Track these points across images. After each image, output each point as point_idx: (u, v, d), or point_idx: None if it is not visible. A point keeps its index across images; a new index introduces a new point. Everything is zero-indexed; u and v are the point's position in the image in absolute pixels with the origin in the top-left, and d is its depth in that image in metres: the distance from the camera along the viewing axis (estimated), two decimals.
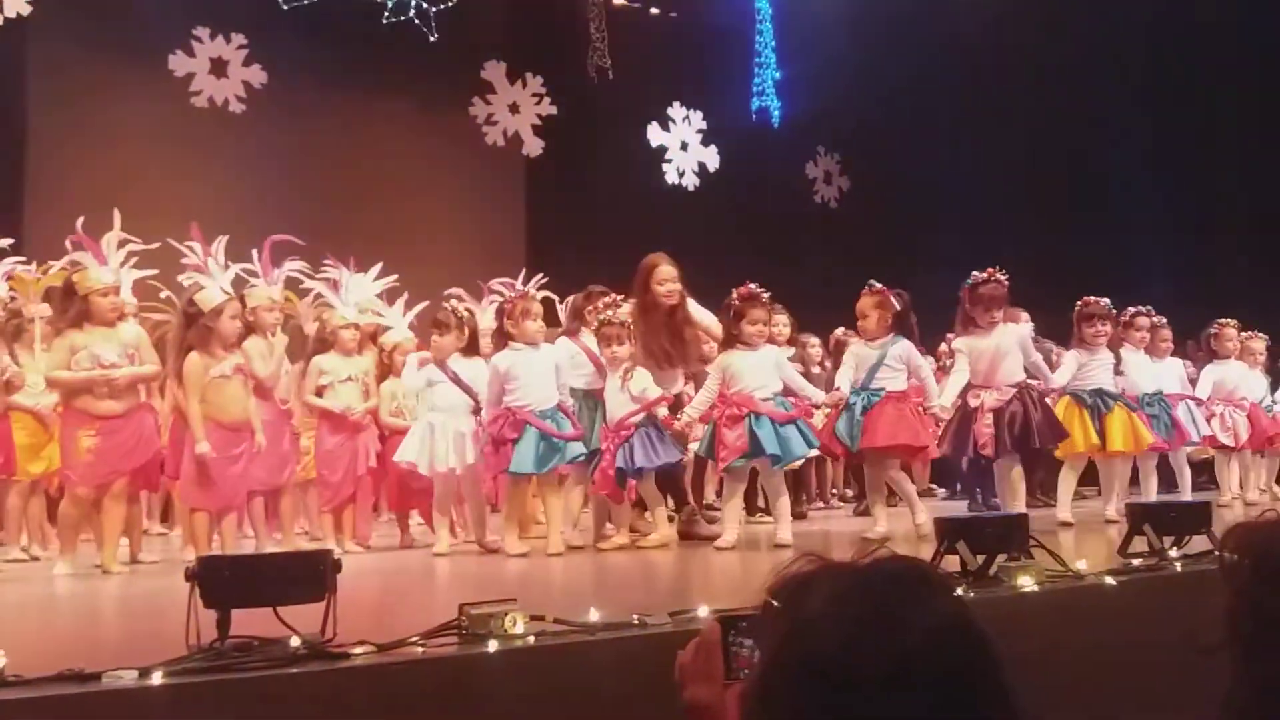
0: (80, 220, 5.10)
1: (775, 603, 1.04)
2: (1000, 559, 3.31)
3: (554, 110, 11.02)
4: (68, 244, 5.13)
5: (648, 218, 10.92)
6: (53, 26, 8.47)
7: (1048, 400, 5.60)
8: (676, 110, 11.82)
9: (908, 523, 5.27)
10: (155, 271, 5.81)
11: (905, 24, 10.95)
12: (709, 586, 4.18)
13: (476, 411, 5.26)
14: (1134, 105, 11.03)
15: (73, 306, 4.83)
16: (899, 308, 5.38)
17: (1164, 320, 6.86)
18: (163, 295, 6.15)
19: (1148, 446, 5.95)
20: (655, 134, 11.71)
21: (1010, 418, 5.29)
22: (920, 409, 5.41)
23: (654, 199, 11.29)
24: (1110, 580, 3.37)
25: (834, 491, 8.26)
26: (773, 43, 11.98)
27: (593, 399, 5.33)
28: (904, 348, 5.32)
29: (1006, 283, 5.57)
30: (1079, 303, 6.05)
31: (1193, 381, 7.13)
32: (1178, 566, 3.56)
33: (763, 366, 5.06)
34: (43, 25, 8.42)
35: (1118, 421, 5.81)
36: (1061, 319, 7.34)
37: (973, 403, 5.38)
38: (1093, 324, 5.92)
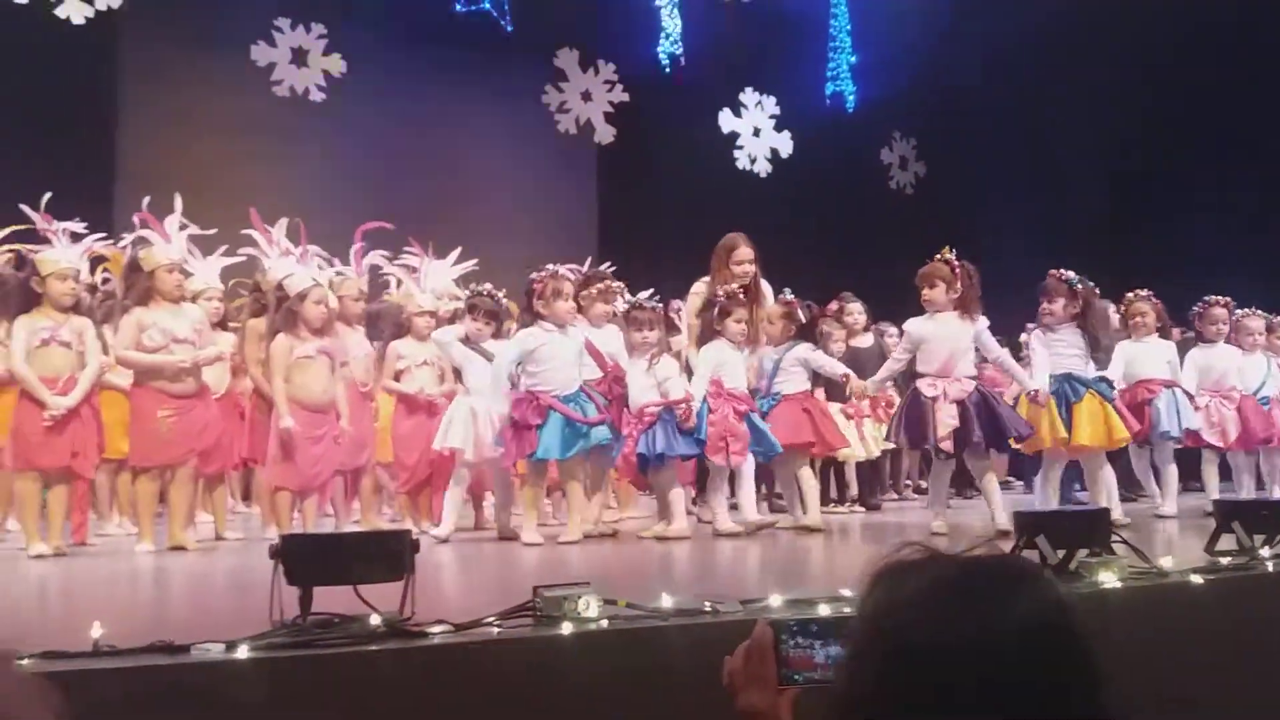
0: (146, 200, 5.22)
1: (873, 589, 1.03)
2: (1081, 554, 3.24)
3: (626, 97, 11.02)
4: (135, 220, 5.23)
5: (719, 204, 10.84)
6: (141, 19, 8.71)
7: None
8: (749, 96, 11.72)
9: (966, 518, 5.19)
10: (243, 259, 5.94)
11: (981, 4, 10.70)
12: (777, 575, 4.16)
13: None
14: (1220, 86, 10.63)
15: (139, 283, 4.90)
16: (803, 320, 5.63)
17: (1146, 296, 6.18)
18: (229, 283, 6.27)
19: (1121, 439, 5.43)
20: (727, 120, 11.63)
21: (975, 410, 5.03)
22: (822, 410, 5.59)
23: (725, 185, 11.22)
24: (1197, 579, 3.28)
25: (907, 483, 8.15)
26: (848, 26, 11.80)
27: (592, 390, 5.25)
28: (801, 351, 5.54)
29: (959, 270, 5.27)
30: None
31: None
32: (1269, 566, 3.45)
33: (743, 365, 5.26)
34: (132, 17, 8.66)
35: (1085, 412, 5.31)
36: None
37: (929, 392, 5.07)
38: (1043, 300, 5.46)
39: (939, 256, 5.29)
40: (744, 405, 5.24)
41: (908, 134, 12.76)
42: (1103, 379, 5.59)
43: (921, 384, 5.13)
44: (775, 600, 2.77)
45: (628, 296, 5.79)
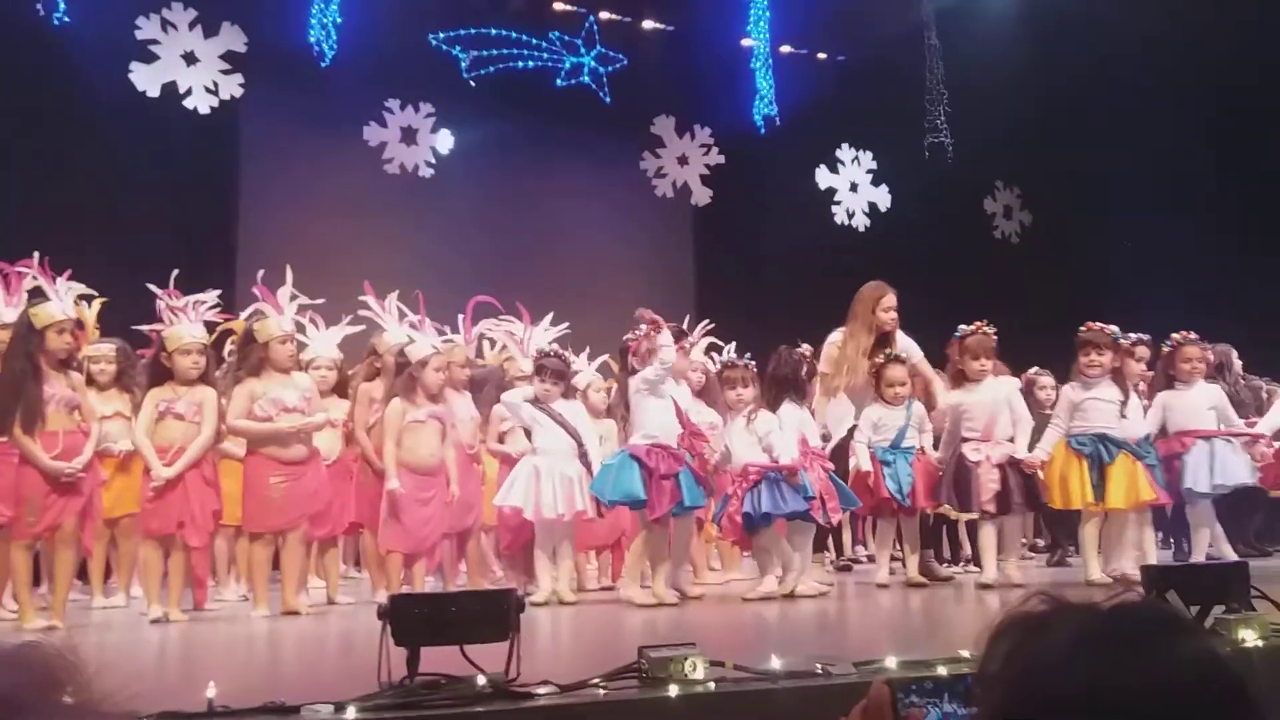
0: (261, 273, 5.44)
1: (1004, 643, 0.98)
2: (1217, 610, 3.04)
3: (721, 159, 11.11)
4: (255, 292, 5.47)
5: (817, 260, 10.81)
6: (261, 105, 9.20)
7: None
8: (845, 152, 11.70)
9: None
10: (361, 328, 6.14)
11: (1080, 48, 10.50)
12: (891, 636, 4.02)
13: (581, 456, 5.27)
14: None
15: (253, 354, 5.09)
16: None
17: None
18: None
19: (1146, 502, 5.24)
20: (824, 177, 11.61)
21: (1017, 472, 5.26)
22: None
23: (823, 241, 11.17)
24: None
25: (1023, 541, 7.80)
26: (944, 77, 11.70)
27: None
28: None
29: (994, 335, 5.47)
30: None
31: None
32: None
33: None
34: (252, 104, 9.15)
35: (1117, 472, 5.16)
36: (1262, 356, 6.77)
37: (973, 456, 5.26)
38: (1088, 353, 5.29)
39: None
40: (826, 463, 5.33)
41: (1011, 182, 12.51)
42: (1146, 437, 5.42)
43: (966, 449, 5.33)
44: (890, 661, 2.66)
45: (722, 355, 5.81)
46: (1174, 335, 5.85)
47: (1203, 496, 5.64)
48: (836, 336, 5.87)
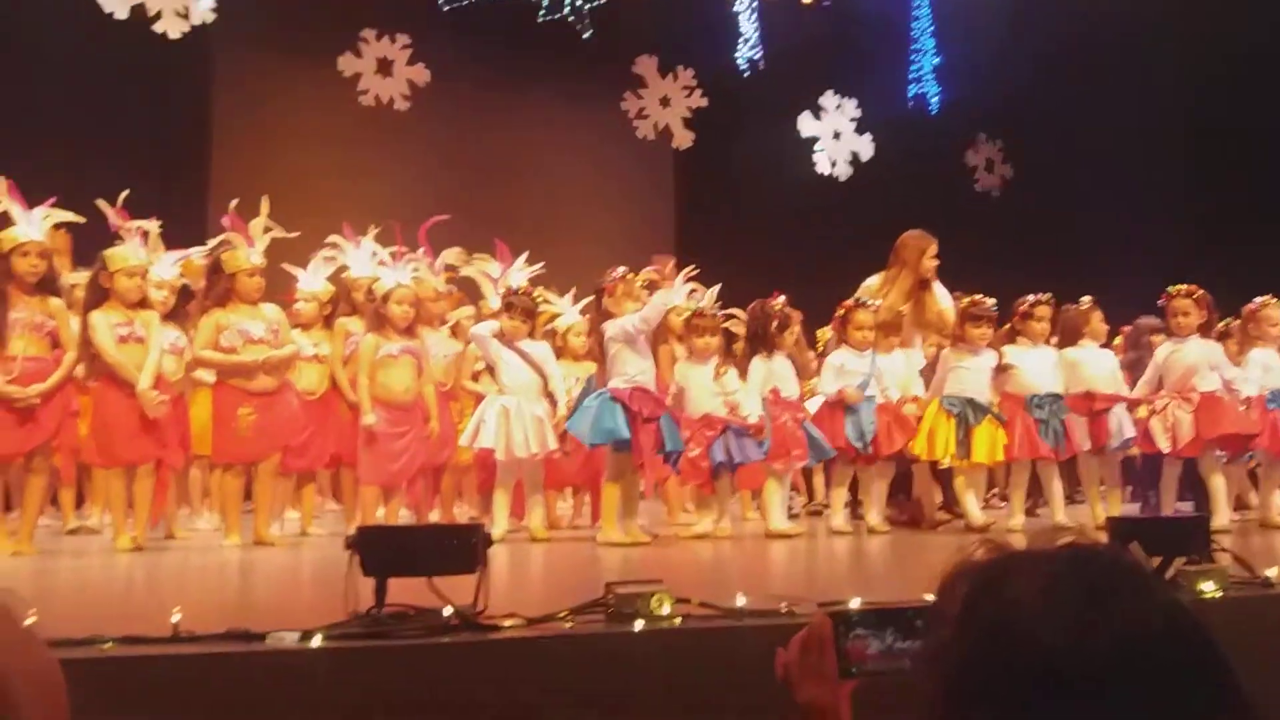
0: (234, 203, 5.34)
1: (962, 588, 0.95)
2: (1179, 562, 3.09)
3: (705, 102, 10.99)
4: (225, 222, 5.36)
5: (798, 208, 10.79)
6: (234, 32, 8.98)
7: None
8: (829, 99, 11.60)
9: None
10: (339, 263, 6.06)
11: (1067, 2, 10.42)
12: (858, 579, 4.08)
13: (548, 394, 5.29)
14: None
15: (220, 284, 5.03)
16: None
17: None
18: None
19: (1011, 456, 5.59)
20: (807, 124, 11.52)
21: None
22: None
23: (805, 189, 11.12)
24: None
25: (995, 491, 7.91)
26: (930, 27, 11.60)
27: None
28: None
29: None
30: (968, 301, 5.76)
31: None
32: None
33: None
34: (224, 31, 8.94)
35: (984, 434, 5.52)
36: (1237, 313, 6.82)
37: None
38: (978, 324, 5.65)
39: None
40: (800, 413, 5.39)
41: (994, 136, 12.47)
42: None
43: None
44: (855, 603, 2.69)
45: (703, 300, 5.80)
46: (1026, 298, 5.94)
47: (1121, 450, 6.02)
48: (873, 281, 5.99)
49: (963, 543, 1.01)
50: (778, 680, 1.28)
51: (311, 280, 5.97)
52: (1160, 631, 0.87)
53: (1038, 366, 5.73)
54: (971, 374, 5.64)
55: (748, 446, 5.22)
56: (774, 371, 5.44)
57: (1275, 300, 6.07)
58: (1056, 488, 5.76)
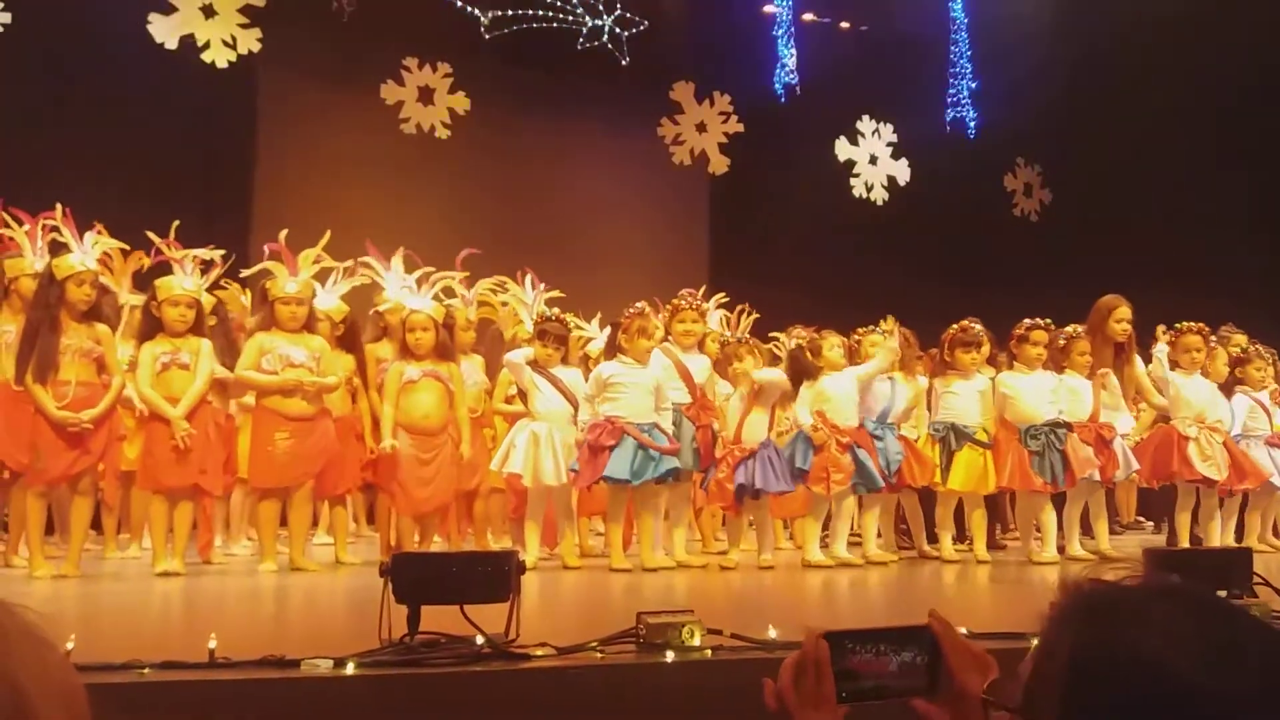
0: (284, 233, 5.43)
1: (1068, 633, 0.97)
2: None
3: (741, 128, 11.03)
4: (265, 250, 5.47)
5: (834, 233, 10.77)
6: (279, 62, 9.16)
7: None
8: (866, 124, 11.58)
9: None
10: (368, 282, 6.13)
11: (1109, 26, 10.34)
12: (882, 607, 4.04)
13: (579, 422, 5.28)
14: None
15: (265, 310, 5.20)
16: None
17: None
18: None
19: (996, 488, 5.67)
20: (843, 148, 11.51)
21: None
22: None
23: (841, 214, 11.10)
24: None
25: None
26: (968, 51, 11.56)
27: (678, 413, 5.32)
28: None
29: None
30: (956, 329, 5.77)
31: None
32: None
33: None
34: (270, 61, 9.12)
35: (962, 460, 5.56)
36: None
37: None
38: (968, 350, 5.69)
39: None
40: (848, 438, 5.31)
41: (1032, 160, 12.39)
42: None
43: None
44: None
45: (738, 326, 5.83)
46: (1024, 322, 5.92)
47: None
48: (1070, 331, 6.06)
49: (1062, 575, 1.03)
50: (770, 710, 1.25)
51: (324, 299, 5.95)
52: (1266, 659, 0.89)
53: (1034, 393, 5.65)
54: (959, 399, 5.64)
55: (771, 476, 5.19)
56: (822, 393, 5.38)
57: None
58: (1049, 519, 5.66)
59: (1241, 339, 6.63)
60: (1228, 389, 6.27)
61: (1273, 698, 0.88)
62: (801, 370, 5.45)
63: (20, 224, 5.20)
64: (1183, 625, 0.92)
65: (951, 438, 5.56)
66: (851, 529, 7.07)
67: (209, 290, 5.42)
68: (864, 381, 5.45)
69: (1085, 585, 1.00)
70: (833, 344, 5.47)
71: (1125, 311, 5.98)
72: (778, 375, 5.42)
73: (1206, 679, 0.88)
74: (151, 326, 4.97)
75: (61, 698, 0.75)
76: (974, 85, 11.74)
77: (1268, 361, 6.38)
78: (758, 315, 6.91)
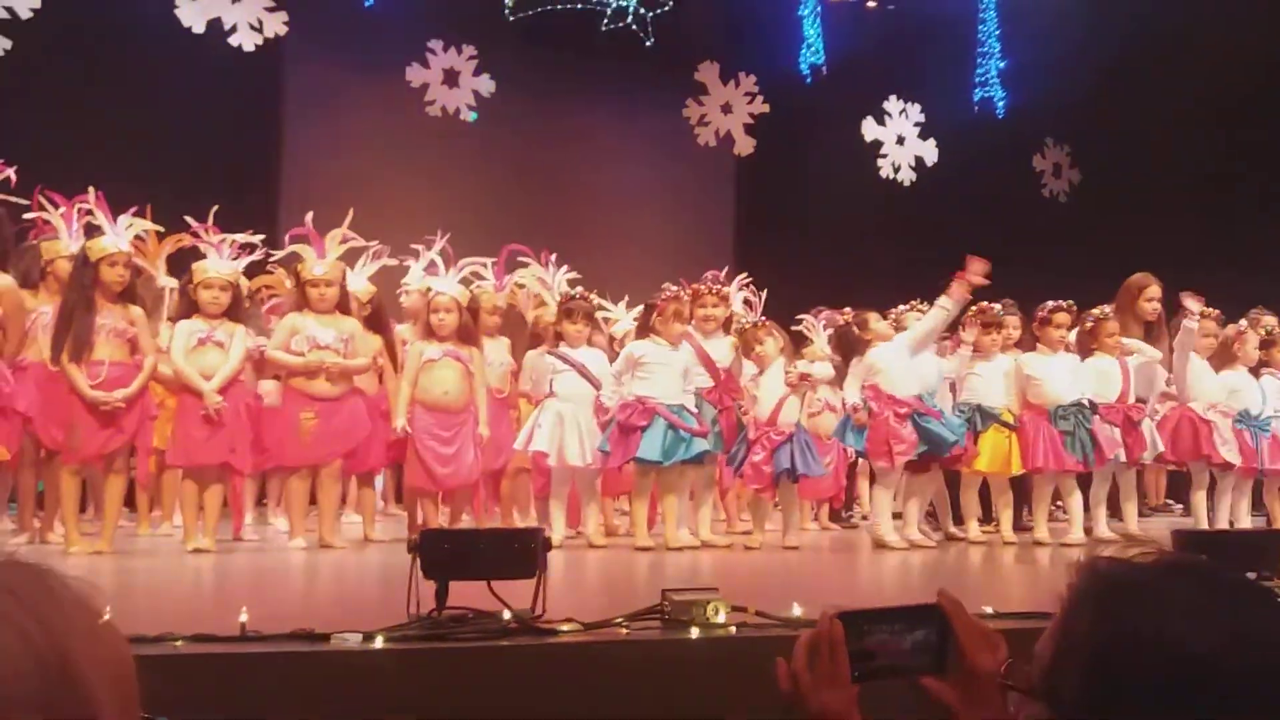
0: (310, 215, 5.47)
1: (1091, 609, 0.98)
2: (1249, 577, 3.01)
3: (766, 108, 10.96)
4: (286, 238, 5.52)
5: (861, 214, 10.69)
6: (305, 44, 9.20)
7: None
8: (893, 104, 11.47)
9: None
10: (395, 262, 6.17)
11: (1140, 5, 10.18)
12: (907, 588, 4.04)
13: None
14: None
15: (296, 292, 5.28)
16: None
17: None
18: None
19: (1026, 469, 5.61)
20: (870, 129, 11.42)
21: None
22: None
23: (867, 195, 11.02)
24: None
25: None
26: (997, 30, 11.42)
27: (698, 397, 5.33)
28: None
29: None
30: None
31: None
32: None
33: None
34: (296, 43, 9.16)
35: (988, 442, 5.55)
36: None
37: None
38: (988, 331, 5.65)
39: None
40: (905, 408, 5.23)
41: (1061, 140, 12.24)
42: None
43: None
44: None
45: (746, 315, 5.85)
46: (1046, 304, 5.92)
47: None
48: (1096, 312, 5.99)
49: (1080, 555, 1.04)
50: (782, 691, 1.25)
51: (353, 280, 5.97)
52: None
53: (1058, 375, 5.63)
54: (982, 381, 5.61)
55: (811, 459, 5.22)
56: (872, 367, 5.33)
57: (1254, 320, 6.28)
58: (1076, 501, 5.68)
59: (1271, 320, 6.54)
60: (1256, 371, 6.21)
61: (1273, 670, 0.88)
62: (850, 346, 5.42)
63: (56, 207, 5.27)
64: (1203, 604, 0.93)
65: (977, 419, 5.53)
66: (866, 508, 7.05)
67: (255, 274, 5.49)
68: (917, 345, 5.35)
69: (1103, 566, 1.01)
70: (879, 316, 5.47)
71: (1155, 290, 5.93)
72: (828, 369, 5.44)
73: (1226, 655, 0.89)
74: (188, 309, 5.05)
75: (111, 667, 0.76)
76: (1002, 65, 11.59)
77: None
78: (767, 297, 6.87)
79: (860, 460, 6.43)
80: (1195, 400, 5.87)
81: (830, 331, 5.66)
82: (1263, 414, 6.02)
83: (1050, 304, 5.78)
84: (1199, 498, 6.00)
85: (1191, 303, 6.00)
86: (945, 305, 5.34)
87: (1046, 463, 5.52)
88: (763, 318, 5.64)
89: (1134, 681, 0.92)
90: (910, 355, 5.33)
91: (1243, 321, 6.29)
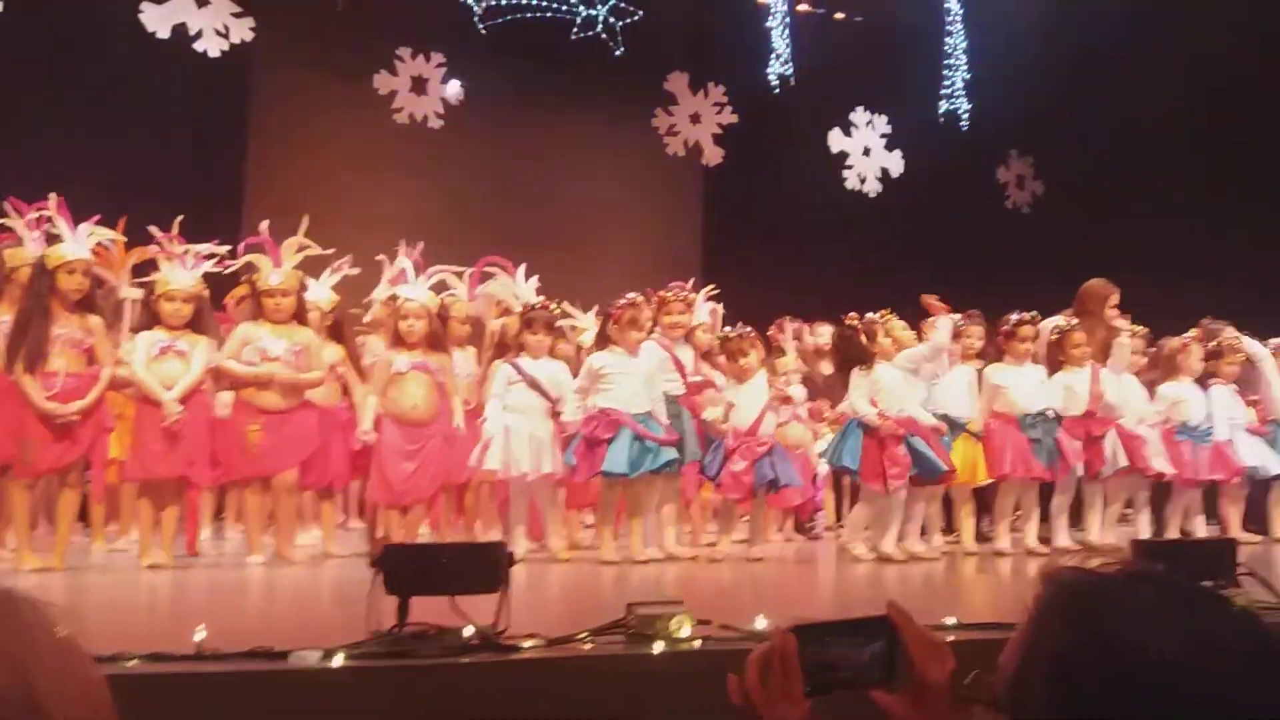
0: (265, 223, 5.40)
1: (1057, 617, 0.99)
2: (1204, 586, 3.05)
3: (735, 119, 11.01)
4: (241, 247, 5.45)
5: (828, 224, 10.76)
6: (272, 50, 9.11)
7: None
8: (859, 115, 11.57)
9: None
10: (358, 270, 6.11)
11: (1102, 18, 10.33)
12: (872, 600, 4.04)
13: (554, 415, 5.25)
14: None
15: (252, 302, 5.20)
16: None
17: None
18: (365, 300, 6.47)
19: (995, 476, 5.60)
20: (837, 140, 11.49)
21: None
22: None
23: (834, 205, 11.09)
24: None
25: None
26: (963, 42, 11.54)
27: (677, 405, 5.32)
28: None
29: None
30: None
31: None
32: None
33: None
34: (263, 50, 9.07)
35: (957, 452, 5.53)
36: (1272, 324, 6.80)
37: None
38: (954, 341, 5.69)
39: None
40: (902, 429, 5.16)
41: (1025, 152, 12.39)
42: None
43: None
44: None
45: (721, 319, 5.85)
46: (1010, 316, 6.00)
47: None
48: (1059, 322, 6.03)
49: (1044, 566, 1.06)
50: (735, 706, 1.24)
51: (317, 290, 5.90)
52: (1248, 644, 0.93)
53: (1026, 384, 5.70)
54: (947, 392, 5.63)
55: (791, 470, 5.24)
56: (876, 382, 5.23)
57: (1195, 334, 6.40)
58: (1036, 508, 5.76)
59: (1222, 331, 6.59)
60: (1204, 382, 6.32)
61: (1253, 678, 0.90)
62: (854, 355, 5.29)
63: (20, 215, 5.17)
64: (1163, 611, 0.94)
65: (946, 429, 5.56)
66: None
67: (230, 286, 5.41)
68: (912, 366, 5.33)
69: (1066, 576, 1.02)
70: (890, 328, 5.32)
71: (1116, 297, 6.08)
72: (802, 391, 5.68)
73: (1188, 662, 0.90)
74: (150, 320, 4.97)
75: (82, 698, 0.74)
76: (968, 77, 11.72)
77: (1239, 354, 6.38)
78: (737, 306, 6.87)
79: (829, 471, 6.44)
80: (1124, 416, 5.93)
81: (832, 335, 5.65)
82: (1202, 426, 6.13)
83: (1014, 317, 5.82)
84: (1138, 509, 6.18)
85: (1121, 322, 6.15)
86: (938, 339, 5.41)
87: (1015, 469, 5.55)
88: (748, 329, 5.56)
89: (1096, 689, 0.92)
90: (904, 375, 5.32)
91: (1189, 333, 6.38)
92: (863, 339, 5.29)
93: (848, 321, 5.43)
